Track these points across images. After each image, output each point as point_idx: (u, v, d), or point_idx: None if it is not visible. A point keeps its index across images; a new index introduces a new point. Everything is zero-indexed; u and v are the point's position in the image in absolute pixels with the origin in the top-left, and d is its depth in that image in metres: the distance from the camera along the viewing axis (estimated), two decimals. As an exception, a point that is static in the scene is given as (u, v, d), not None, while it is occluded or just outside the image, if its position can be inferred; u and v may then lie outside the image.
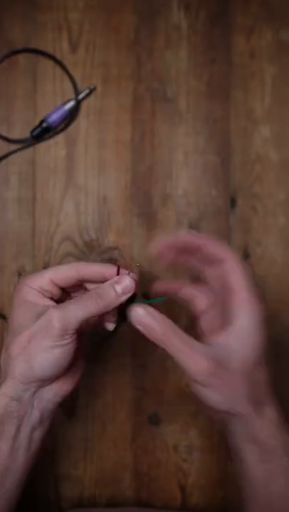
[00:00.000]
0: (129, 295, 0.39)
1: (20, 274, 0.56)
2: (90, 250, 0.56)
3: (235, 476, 0.55)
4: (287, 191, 0.55)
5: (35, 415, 0.40)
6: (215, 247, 0.39)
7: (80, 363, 0.43)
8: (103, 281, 0.40)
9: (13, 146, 0.56)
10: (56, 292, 0.40)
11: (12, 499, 0.40)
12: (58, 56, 0.56)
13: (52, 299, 0.40)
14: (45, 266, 0.56)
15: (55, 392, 0.41)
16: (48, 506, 0.56)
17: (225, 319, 0.38)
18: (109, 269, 0.40)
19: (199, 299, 0.43)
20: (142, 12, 0.56)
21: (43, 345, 0.37)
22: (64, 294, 0.41)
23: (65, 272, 0.40)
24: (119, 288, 0.39)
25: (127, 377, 0.56)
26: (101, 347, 0.56)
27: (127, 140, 0.56)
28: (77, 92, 0.55)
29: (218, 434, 0.55)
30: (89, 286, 0.42)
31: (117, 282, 0.39)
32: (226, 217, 0.56)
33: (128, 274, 0.40)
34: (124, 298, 0.39)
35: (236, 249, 0.55)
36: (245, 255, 0.55)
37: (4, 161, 0.56)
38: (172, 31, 0.55)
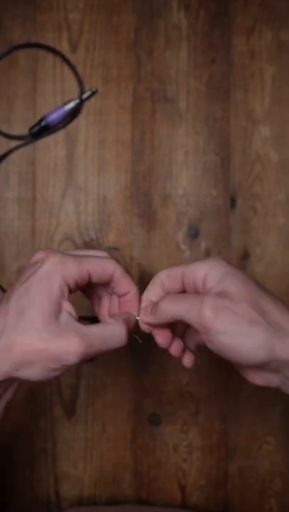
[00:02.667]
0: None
1: (21, 274, 0.56)
2: (90, 250, 0.56)
3: (235, 476, 0.55)
4: (287, 191, 0.55)
5: (10, 393, 0.38)
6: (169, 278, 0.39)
7: None
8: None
9: (13, 144, 0.56)
10: (84, 286, 0.38)
11: None
12: (58, 56, 0.56)
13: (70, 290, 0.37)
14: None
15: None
16: (48, 506, 0.56)
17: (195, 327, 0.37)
18: (133, 290, 0.40)
19: (169, 341, 0.41)
20: (142, 12, 0.56)
21: (49, 366, 0.35)
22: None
23: (105, 270, 0.38)
24: (146, 328, 0.40)
25: (127, 377, 0.56)
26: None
27: (127, 140, 0.56)
28: (82, 90, 0.55)
29: (218, 434, 0.55)
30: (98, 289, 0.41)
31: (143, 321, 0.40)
32: (226, 217, 0.56)
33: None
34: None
35: (236, 249, 0.55)
36: (245, 255, 0.55)
37: (4, 161, 0.56)
38: (172, 31, 0.56)
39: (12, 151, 0.55)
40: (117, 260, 0.40)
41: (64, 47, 0.56)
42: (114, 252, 0.56)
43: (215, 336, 0.34)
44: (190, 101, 0.56)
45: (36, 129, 0.55)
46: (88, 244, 0.56)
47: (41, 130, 0.55)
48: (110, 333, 0.36)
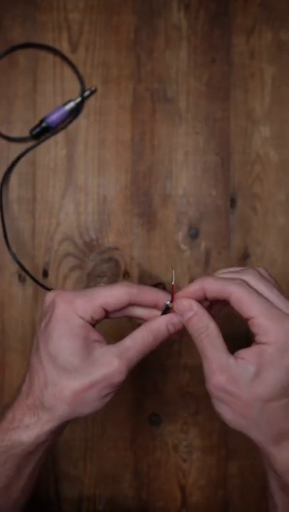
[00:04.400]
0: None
1: (20, 274, 0.56)
2: (90, 250, 0.56)
3: (235, 476, 0.55)
4: (287, 191, 0.55)
5: (59, 435, 0.40)
6: (217, 288, 0.37)
7: None
8: (154, 306, 0.39)
9: (13, 146, 0.56)
10: (103, 316, 0.38)
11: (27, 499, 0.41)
12: (58, 56, 0.56)
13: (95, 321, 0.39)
14: (45, 266, 0.56)
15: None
16: (48, 506, 0.56)
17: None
18: (162, 296, 0.39)
19: None
20: (142, 12, 0.56)
21: (102, 393, 0.37)
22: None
23: (118, 299, 0.38)
24: (172, 328, 0.38)
25: (127, 377, 0.56)
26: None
27: (127, 140, 0.56)
28: (83, 88, 0.55)
29: (218, 434, 0.55)
30: (136, 310, 0.40)
31: (171, 322, 0.38)
32: (226, 217, 0.56)
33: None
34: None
35: (236, 249, 0.55)
36: (245, 255, 0.55)
37: (4, 161, 0.56)
38: (172, 31, 0.56)
39: (20, 158, 0.55)
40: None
41: (64, 47, 0.56)
42: (114, 252, 0.56)
43: (211, 396, 0.36)
44: (190, 101, 0.56)
45: (37, 130, 0.55)
46: (88, 244, 0.56)
47: (42, 131, 0.55)
48: (140, 339, 0.37)
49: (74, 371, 0.36)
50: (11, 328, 0.56)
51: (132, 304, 0.39)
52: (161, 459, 0.56)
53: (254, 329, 0.35)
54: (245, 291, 0.36)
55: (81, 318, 0.37)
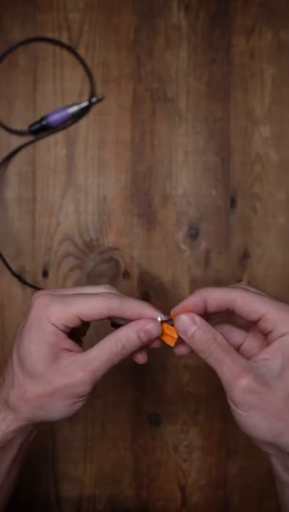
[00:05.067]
0: (152, 341, 0.37)
1: (21, 274, 0.55)
2: (90, 250, 0.56)
3: (235, 476, 0.55)
4: (287, 191, 0.55)
5: (33, 435, 0.40)
6: (219, 297, 0.36)
7: None
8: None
9: (13, 143, 0.56)
10: (79, 325, 0.37)
11: (5, 503, 0.41)
12: (58, 56, 0.56)
13: (71, 329, 0.37)
14: (45, 266, 0.56)
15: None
16: (48, 506, 0.56)
17: (264, 343, 0.36)
18: (148, 312, 0.36)
19: (234, 332, 0.39)
20: (142, 12, 0.56)
21: (67, 402, 0.36)
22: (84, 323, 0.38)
23: (95, 310, 0.36)
24: (144, 336, 0.36)
25: (127, 377, 0.56)
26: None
27: (127, 140, 0.56)
28: (93, 93, 0.55)
29: (218, 434, 0.55)
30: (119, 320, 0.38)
31: (142, 330, 0.36)
32: (226, 217, 0.56)
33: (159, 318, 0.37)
34: (148, 343, 0.37)
35: (236, 249, 0.55)
36: (245, 255, 0.55)
37: (4, 161, 0.56)
38: (172, 31, 0.56)
39: (16, 152, 0.55)
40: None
41: (64, 47, 0.56)
42: (114, 252, 0.56)
43: (233, 407, 0.34)
44: (190, 101, 0.56)
45: (36, 126, 0.55)
46: (88, 244, 0.56)
47: (41, 129, 0.55)
48: (108, 349, 0.36)
49: (38, 377, 0.36)
50: (10, 328, 0.56)
51: (113, 317, 0.37)
52: (161, 459, 0.56)
53: (268, 325, 0.34)
54: (250, 293, 0.35)
55: (53, 325, 0.36)
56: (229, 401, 0.34)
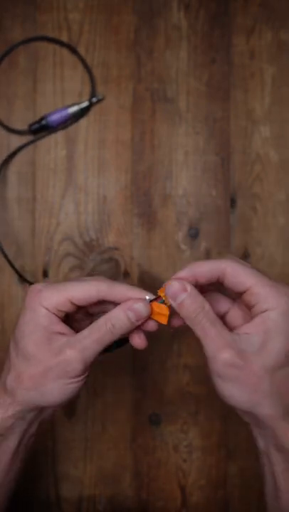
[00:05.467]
0: (143, 321, 0.38)
1: (21, 274, 0.56)
2: (90, 250, 0.56)
3: (235, 476, 0.55)
4: (287, 191, 0.55)
5: (34, 427, 0.40)
6: (208, 268, 0.37)
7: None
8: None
9: (13, 142, 0.56)
10: (72, 309, 0.38)
11: (6, 498, 0.42)
12: (58, 56, 0.56)
13: (67, 314, 0.39)
14: (45, 266, 0.56)
15: (53, 409, 0.41)
16: (48, 506, 0.56)
17: (248, 315, 0.37)
18: (135, 293, 0.38)
19: (220, 301, 0.40)
20: (142, 12, 0.56)
21: (60, 382, 0.37)
22: (80, 309, 0.40)
23: (86, 293, 0.37)
24: (132, 315, 0.37)
25: (127, 377, 0.56)
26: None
27: (127, 140, 0.56)
28: (93, 94, 0.55)
29: (218, 434, 0.55)
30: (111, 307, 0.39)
31: (130, 309, 0.37)
32: (226, 217, 0.56)
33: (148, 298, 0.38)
34: (138, 323, 0.38)
35: (236, 249, 0.55)
36: (245, 255, 0.55)
37: (4, 161, 0.56)
38: (172, 31, 0.56)
39: (16, 152, 0.55)
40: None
41: (64, 47, 0.56)
42: (114, 252, 0.56)
43: (215, 378, 0.36)
44: (190, 101, 0.56)
45: (36, 126, 0.55)
46: (88, 244, 0.56)
47: (41, 128, 0.55)
48: (97, 329, 0.37)
49: (31, 358, 0.37)
50: (10, 328, 0.56)
51: (104, 300, 0.38)
52: (161, 459, 0.56)
53: (252, 299, 0.35)
54: (239, 265, 0.36)
55: (45, 308, 0.37)
56: (211, 371, 0.36)
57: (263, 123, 0.55)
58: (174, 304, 0.36)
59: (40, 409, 0.39)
